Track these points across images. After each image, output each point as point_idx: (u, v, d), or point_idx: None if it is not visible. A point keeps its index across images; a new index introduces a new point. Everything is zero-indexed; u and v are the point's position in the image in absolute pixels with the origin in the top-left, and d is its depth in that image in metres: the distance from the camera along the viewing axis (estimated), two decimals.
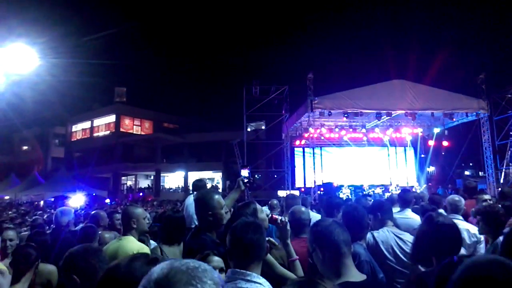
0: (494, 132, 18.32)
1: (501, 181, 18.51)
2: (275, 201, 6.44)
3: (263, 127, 27.75)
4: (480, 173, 25.73)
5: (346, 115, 15.48)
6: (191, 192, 5.61)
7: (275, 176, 23.95)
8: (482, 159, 17.49)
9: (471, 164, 31.63)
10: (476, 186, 6.10)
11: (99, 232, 4.18)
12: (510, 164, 19.28)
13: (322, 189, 17.57)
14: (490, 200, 5.07)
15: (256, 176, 29.71)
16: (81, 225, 5.44)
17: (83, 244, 2.22)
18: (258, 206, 3.04)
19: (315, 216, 4.26)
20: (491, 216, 2.93)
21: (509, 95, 18.82)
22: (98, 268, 1.95)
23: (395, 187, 17.51)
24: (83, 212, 12.96)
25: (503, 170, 19.16)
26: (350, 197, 15.45)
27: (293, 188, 20.05)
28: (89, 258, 2.00)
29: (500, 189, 11.53)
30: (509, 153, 19.39)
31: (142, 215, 3.24)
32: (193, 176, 32.51)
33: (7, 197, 22.25)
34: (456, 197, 4.36)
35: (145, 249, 3.01)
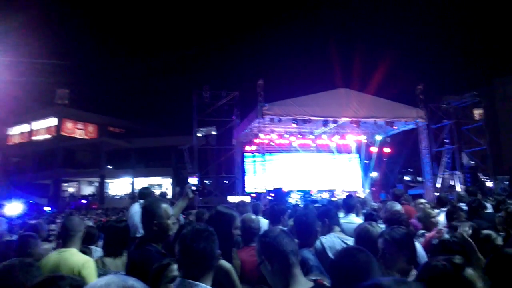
0: (431, 140, 19.55)
1: (438, 185, 19.77)
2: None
3: (213, 133, 27.52)
4: (418, 178, 27.25)
5: (295, 121, 15.79)
6: (137, 200, 5.42)
7: (226, 182, 23.87)
8: (420, 165, 18.54)
9: (410, 170, 33.43)
10: (402, 193, 6.59)
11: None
12: (446, 170, 20.66)
13: (272, 194, 17.75)
14: (427, 203, 5.40)
15: (206, 182, 29.42)
16: (15, 236, 5.07)
17: (11, 259, 2.06)
18: (238, 222, 2.88)
19: (265, 223, 4.27)
20: (394, 223, 3.22)
21: (445, 105, 20.24)
22: (28, 285, 1.82)
23: (341, 192, 18.09)
24: (20, 221, 12.10)
25: (440, 175, 20.49)
26: (299, 202, 15.74)
27: (243, 193, 20.06)
28: (16, 275, 1.86)
29: (437, 194, 12.32)
30: (444, 160, 20.80)
31: (83, 225, 3.06)
32: (141, 182, 31.56)
33: None
34: (394, 204, 4.57)
35: (90, 262, 2.83)
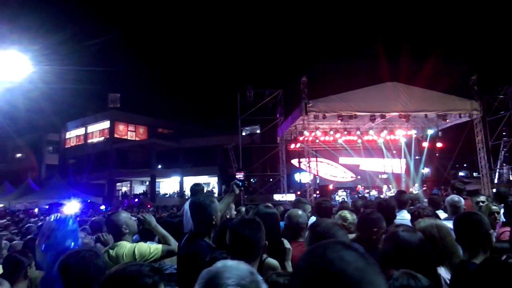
0: (487, 133, 18.46)
1: (496, 181, 18.64)
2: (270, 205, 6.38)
3: (258, 131, 27.71)
4: (474, 173, 25.84)
5: (340, 118, 15.53)
6: (187, 196, 5.58)
7: (271, 179, 23.97)
8: (476, 160, 17.57)
9: (465, 165, 31.76)
10: (464, 188, 6.16)
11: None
12: (504, 164, 19.44)
13: (318, 192, 17.59)
14: (485, 200, 5.05)
15: (252, 180, 29.69)
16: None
17: (80, 248, 2.18)
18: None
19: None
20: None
21: (501, 96, 19.05)
22: (96, 270, 1.93)
23: (388, 189, 17.58)
24: (78, 219, 12.87)
25: (497, 170, 19.32)
26: (345, 199, 15.49)
27: (288, 192, 20.06)
28: (85, 262, 1.97)
29: (495, 189, 11.60)
30: (502, 154, 19.58)
31: (128, 217, 3.09)
32: (189, 181, 32.44)
33: (1, 205, 22.02)
34: (456, 198, 4.36)
35: (139, 244, 2.94)
